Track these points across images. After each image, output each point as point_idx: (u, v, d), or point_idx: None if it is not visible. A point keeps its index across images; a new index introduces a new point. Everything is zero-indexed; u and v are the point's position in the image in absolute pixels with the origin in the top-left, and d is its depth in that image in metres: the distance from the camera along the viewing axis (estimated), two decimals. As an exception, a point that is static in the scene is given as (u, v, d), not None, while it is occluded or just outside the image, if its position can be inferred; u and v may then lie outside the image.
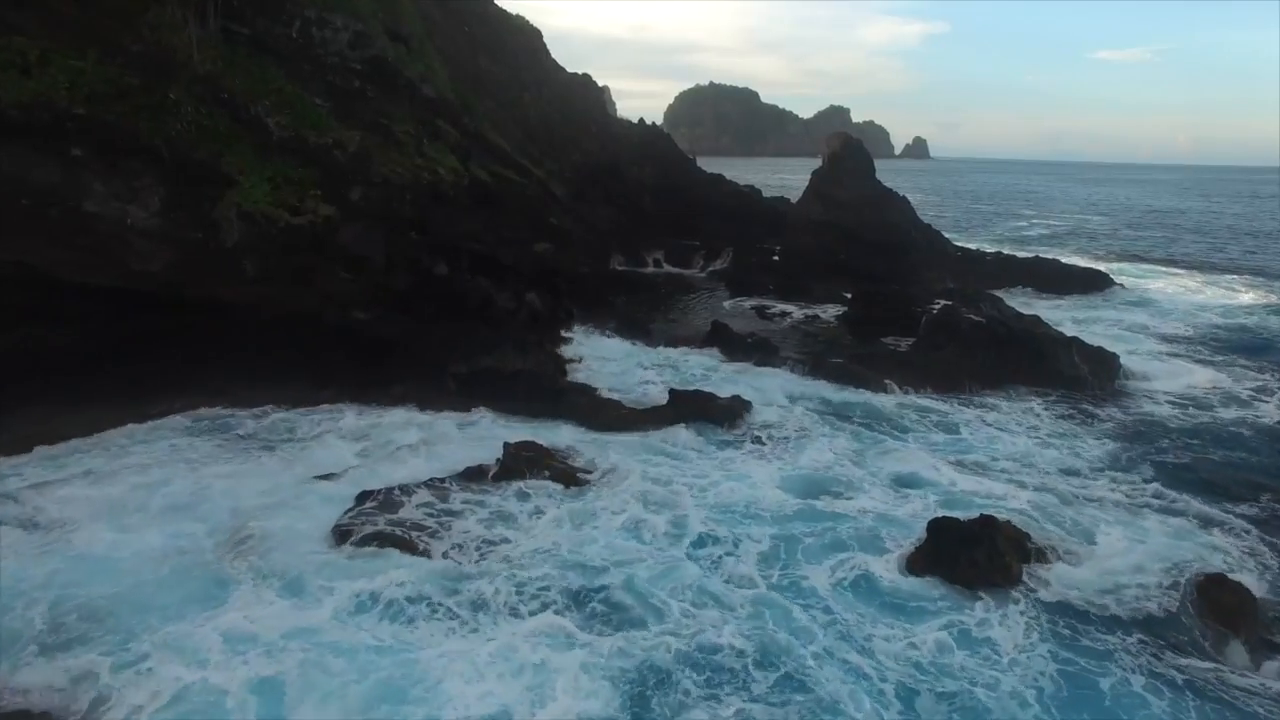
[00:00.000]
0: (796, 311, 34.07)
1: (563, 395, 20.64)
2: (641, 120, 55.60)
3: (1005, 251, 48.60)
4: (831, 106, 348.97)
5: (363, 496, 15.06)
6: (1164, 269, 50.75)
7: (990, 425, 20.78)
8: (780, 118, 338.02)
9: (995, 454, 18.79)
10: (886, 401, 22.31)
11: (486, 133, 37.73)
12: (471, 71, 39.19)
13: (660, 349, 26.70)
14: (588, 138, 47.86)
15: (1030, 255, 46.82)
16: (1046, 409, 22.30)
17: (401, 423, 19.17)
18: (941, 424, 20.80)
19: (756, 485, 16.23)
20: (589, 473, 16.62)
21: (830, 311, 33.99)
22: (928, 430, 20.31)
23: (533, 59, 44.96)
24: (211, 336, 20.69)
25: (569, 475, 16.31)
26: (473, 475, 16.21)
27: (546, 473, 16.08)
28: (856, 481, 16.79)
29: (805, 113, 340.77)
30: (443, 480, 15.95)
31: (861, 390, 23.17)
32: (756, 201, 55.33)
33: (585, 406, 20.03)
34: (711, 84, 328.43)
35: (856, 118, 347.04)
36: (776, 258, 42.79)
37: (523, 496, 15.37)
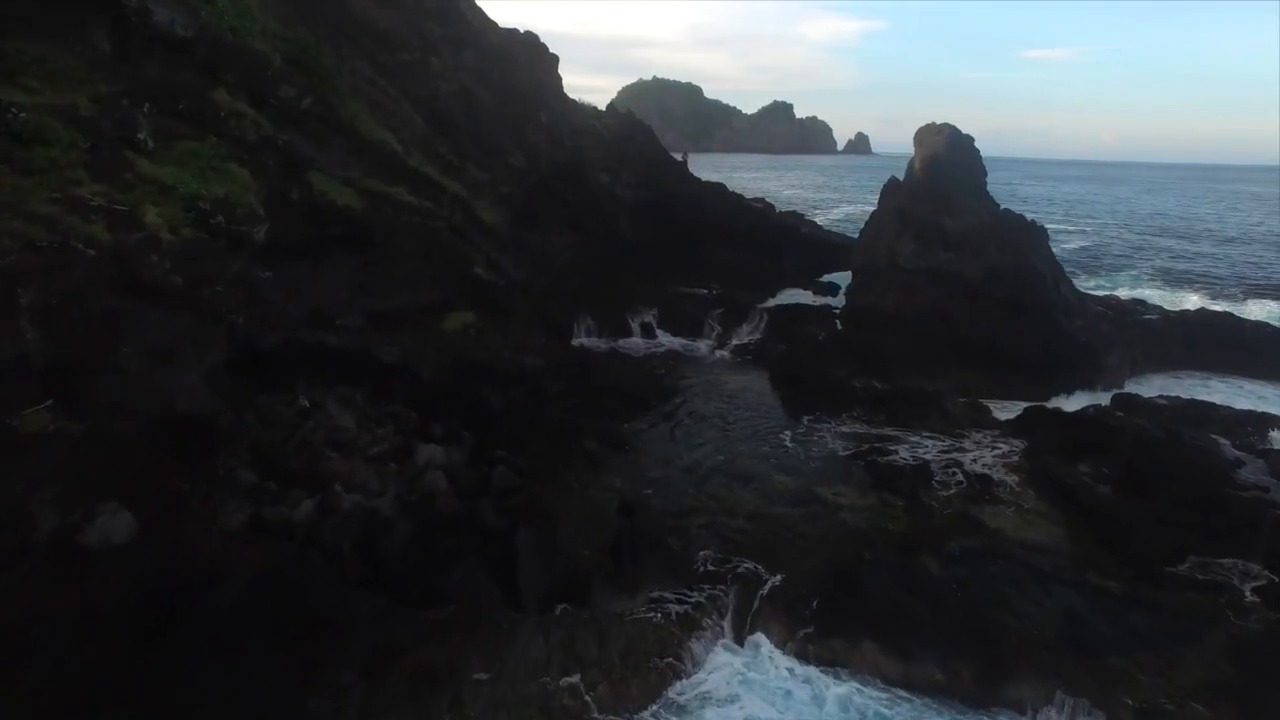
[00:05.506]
0: (934, 453, 18.54)
1: None
2: (611, 107, 39.17)
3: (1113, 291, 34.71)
4: (775, 102, 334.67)
5: None
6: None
7: None
8: (725, 113, 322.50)
9: None
10: None
11: (355, 120, 21.30)
12: (332, 12, 22.57)
13: (723, 651, 10.91)
14: (536, 129, 31.55)
15: (1192, 307, 32.12)
16: None
17: None
18: None
19: None
20: None
21: (988, 453, 18.57)
22: None
23: (446, 2, 28.50)
24: None
25: None
26: None
27: None
28: None
29: (749, 108, 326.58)
30: None
31: None
32: (785, 225, 39.23)
33: None
34: (655, 79, 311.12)
35: (800, 113, 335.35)
36: (839, 323, 27.10)
37: None
